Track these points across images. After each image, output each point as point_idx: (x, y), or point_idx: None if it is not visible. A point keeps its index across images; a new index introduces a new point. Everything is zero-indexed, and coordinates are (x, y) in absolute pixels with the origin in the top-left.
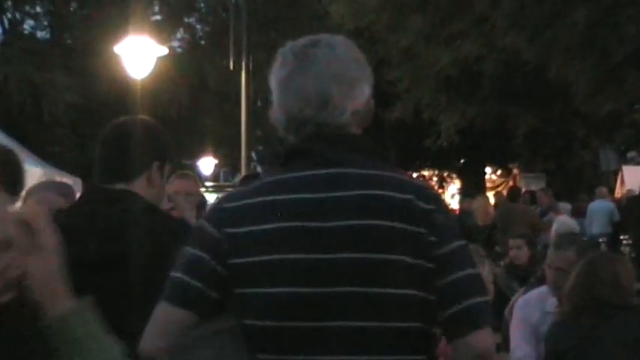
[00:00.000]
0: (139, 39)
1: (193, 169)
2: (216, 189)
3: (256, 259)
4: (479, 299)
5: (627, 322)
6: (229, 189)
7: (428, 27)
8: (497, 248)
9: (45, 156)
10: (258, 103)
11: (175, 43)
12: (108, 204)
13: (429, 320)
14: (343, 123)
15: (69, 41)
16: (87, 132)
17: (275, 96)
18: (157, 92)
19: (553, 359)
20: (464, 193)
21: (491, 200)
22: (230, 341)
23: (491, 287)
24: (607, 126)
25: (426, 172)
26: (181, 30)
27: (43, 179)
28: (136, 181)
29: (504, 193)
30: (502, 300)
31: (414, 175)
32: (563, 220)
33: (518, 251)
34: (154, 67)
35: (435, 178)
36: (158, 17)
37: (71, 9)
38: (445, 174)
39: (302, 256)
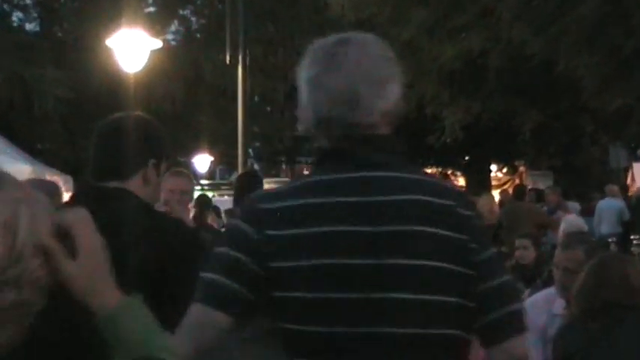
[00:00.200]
0: (132, 32)
1: (188, 166)
2: (211, 187)
3: (299, 263)
4: (517, 305)
5: (639, 323)
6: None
7: (431, 19)
8: (503, 248)
9: (34, 153)
10: (256, 99)
11: (170, 36)
12: (101, 202)
13: (467, 327)
14: (373, 123)
15: (59, 34)
16: (78, 128)
17: (303, 95)
18: (151, 87)
19: None
20: (468, 191)
21: (497, 199)
22: (263, 348)
23: None
24: (616, 122)
25: (429, 170)
26: (176, 22)
27: (33, 177)
28: (131, 180)
29: (510, 191)
30: None
31: None
32: (571, 220)
33: (524, 251)
34: (148, 61)
35: (438, 176)
36: (152, 9)
37: (62, 0)
38: (449, 172)
39: (347, 261)
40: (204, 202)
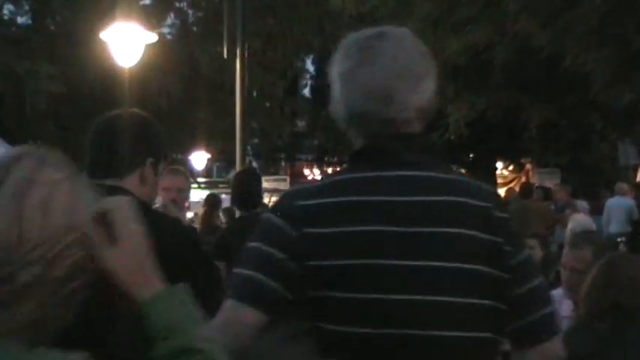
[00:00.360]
0: (126, 25)
1: (185, 163)
2: (208, 185)
3: (339, 262)
4: (551, 307)
5: None
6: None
7: (435, 12)
8: None
9: None
10: (254, 94)
11: (165, 30)
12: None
13: (499, 330)
14: (408, 119)
15: (52, 28)
16: (71, 124)
17: (336, 89)
18: (146, 82)
19: None
20: None
21: (502, 197)
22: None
23: None
24: (626, 118)
25: None
26: (172, 15)
27: None
28: (127, 178)
29: (516, 189)
30: None
31: None
32: (579, 219)
33: (531, 251)
34: (143, 55)
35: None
36: (147, 2)
37: None
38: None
39: (385, 262)
40: (213, 202)
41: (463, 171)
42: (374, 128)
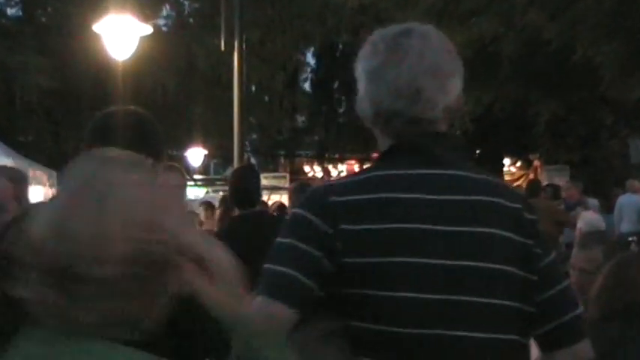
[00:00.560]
0: (120, 17)
1: (180, 160)
2: (205, 182)
3: (374, 260)
4: (580, 309)
5: None
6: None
7: (439, 3)
8: None
9: (17, 146)
10: (253, 88)
11: (161, 21)
12: None
13: (526, 334)
14: (435, 118)
15: (43, 19)
16: (63, 119)
17: (362, 86)
18: (141, 76)
19: None
20: None
21: None
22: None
23: None
24: (637, 113)
25: None
26: (167, 6)
27: None
28: None
29: (524, 186)
30: None
31: None
32: (588, 217)
33: None
34: (137, 48)
35: None
36: None
37: None
38: None
39: (422, 260)
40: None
41: None
42: (401, 127)
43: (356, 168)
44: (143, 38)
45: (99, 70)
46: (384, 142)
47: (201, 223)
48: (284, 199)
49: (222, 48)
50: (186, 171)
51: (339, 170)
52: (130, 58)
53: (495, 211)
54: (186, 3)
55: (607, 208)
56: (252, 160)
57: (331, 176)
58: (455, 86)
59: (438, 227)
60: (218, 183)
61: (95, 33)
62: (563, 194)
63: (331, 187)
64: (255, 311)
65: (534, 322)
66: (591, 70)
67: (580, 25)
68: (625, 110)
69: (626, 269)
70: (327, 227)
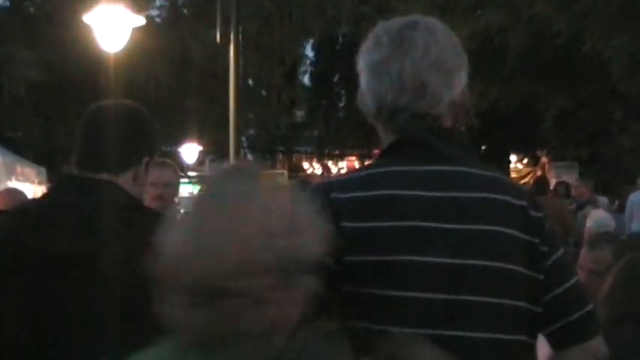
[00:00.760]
0: (112, 7)
1: (174, 156)
2: (200, 180)
3: (377, 258)
4: (591, 305)
5: None
6: None
7: None
8: None
9: (4, 141)
10: (249, 82)
11: (154, 12)
12: (84, 194)
13: (532, 334)
14: (440, 113)
15: (31, 9)
16: (52, 114)
17: (364, 80)
18: (133, 68)
19: None
20: None
21: None
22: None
23: None
24: None
25: None
26: None
27: (2, 168)
28: (121, 176)
29: (531, 184)
30: None
31: None
32: (598, 216)
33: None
34: (129, 40)
35: None
36: None
37: None
38: None
39: (426, 259)
40: None
41: None
42: (405, 122)
43: (356, 164)
44: (135, 30)
45: (90, 62)
46: (386, 138)
47: None
48: None
49: (218, 40)
50: (181, 167)
51: (339, 167)
52: (121, 50)
53: (501, 208)
54: None
55: (618, 207)
56: (249, 157)
57: (331, 173)
58: (460, 81)
59: (442, 225)
60: None
61: (86, 24)
62: (573, 192)
63: (332, 183)
64: None
65: (542, 322)
66: (600, 64)
67: (589, 18)
68: (635, 105)
69: (636, 270)
70: (328, 225)
